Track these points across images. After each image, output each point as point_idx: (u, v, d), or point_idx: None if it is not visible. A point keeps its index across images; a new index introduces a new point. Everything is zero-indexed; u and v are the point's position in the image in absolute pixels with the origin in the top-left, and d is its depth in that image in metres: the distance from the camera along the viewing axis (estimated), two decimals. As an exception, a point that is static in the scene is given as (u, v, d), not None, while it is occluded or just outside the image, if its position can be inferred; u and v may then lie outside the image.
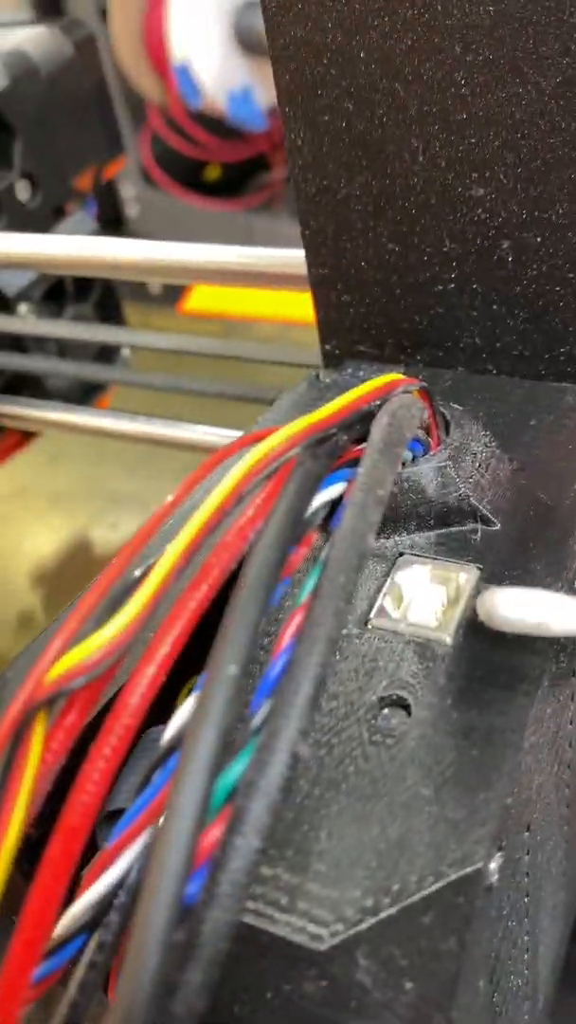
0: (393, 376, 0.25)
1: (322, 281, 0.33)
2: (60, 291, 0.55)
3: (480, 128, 0.28)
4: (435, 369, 0.34)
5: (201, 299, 1.03)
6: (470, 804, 0.21)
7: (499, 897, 0.23)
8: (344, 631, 0.25)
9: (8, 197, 0.51)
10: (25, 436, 0.58)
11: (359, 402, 0.23)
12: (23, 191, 0.52)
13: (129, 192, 1.20)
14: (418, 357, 0.34)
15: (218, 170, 1.26)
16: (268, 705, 0.18)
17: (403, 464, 0.27)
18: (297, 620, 0.19)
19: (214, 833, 0.17)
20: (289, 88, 0.30)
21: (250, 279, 0.41)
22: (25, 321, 0.51)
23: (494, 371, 0.33)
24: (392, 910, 0.20)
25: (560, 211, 0.28)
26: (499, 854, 0.22)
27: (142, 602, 0.18)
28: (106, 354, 0.58)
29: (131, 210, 1.21)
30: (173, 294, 1.10)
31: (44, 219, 0.53)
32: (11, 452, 0.58)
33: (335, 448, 0.22)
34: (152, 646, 0.18)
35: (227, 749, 0.20)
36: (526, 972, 0.31)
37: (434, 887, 0.20)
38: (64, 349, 0.56)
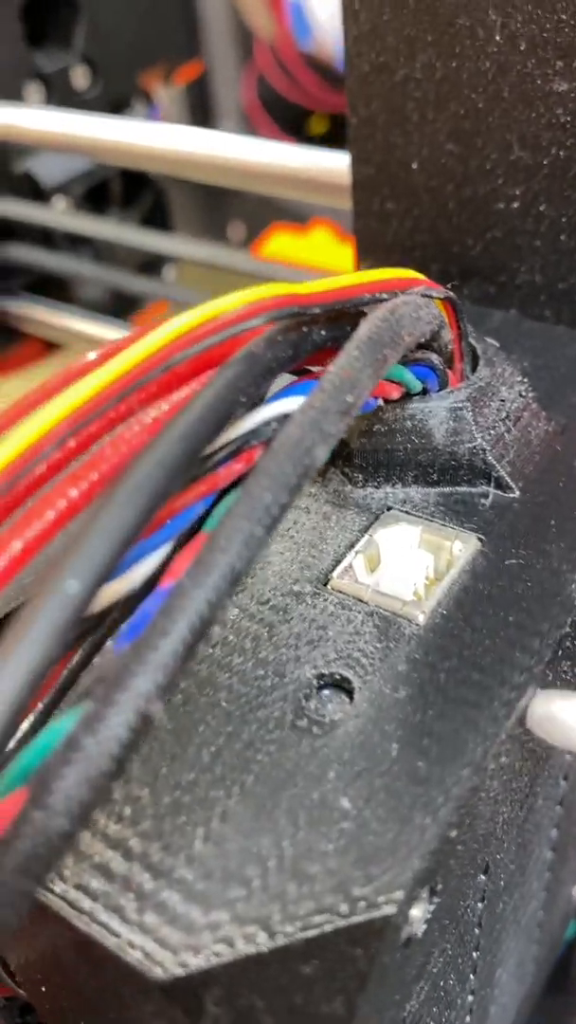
0: (413, 273, 0.20)
1: (366, 183, 0.28)
2: (104, 193, 0.51)
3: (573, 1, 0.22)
4: (483, 308, 0.28)
5: (278, 246, 0.98)
6: (398, 829, 0.16)
7: (423, 952, 0.18)
8: (295, 587, 0.20)
9: (62, 81, 0.46)
10: (47, 346, 0.53)
11: (358, 289, 0.18)
12: (81, 78, 0.47)
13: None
14: (465, 291, 0.28)
15: (323, 124, 1.20)
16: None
17: (409, 397, 0.22)
18: (199, 546, 0.14)
19: (9, 805, 0.12)
20: None
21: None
22: (58, 214, 0.46)
23: (552, 318, 0.27)
24: (264, 948, 0.15)
25: None
26: (429, 900, 0.17)
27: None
28: (148, 271, 0.53)
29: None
30: (251, 240, 1.05)
31: (101, 112, 0.49)
32: (29, 361, 0.53)
33: (305, 341, 0.17)
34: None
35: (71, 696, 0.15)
36: (466, 1035, 0.26)
37: (325, 928, 0.15)
38: (100, 258, 0.51)
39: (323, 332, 0.17)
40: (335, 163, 0.34)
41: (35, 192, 0.47)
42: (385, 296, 0.18)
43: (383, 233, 0.29)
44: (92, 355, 0.17)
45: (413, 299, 0.18)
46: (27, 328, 0.50)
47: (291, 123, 1.16)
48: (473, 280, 0.28)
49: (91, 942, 0.15)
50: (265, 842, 0.16)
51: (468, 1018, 0.25)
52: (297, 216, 1.00)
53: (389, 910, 0.15)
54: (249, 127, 1.16)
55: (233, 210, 1.06)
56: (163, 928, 0.15)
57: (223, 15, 1.03)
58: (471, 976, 0.23)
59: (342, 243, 0.95)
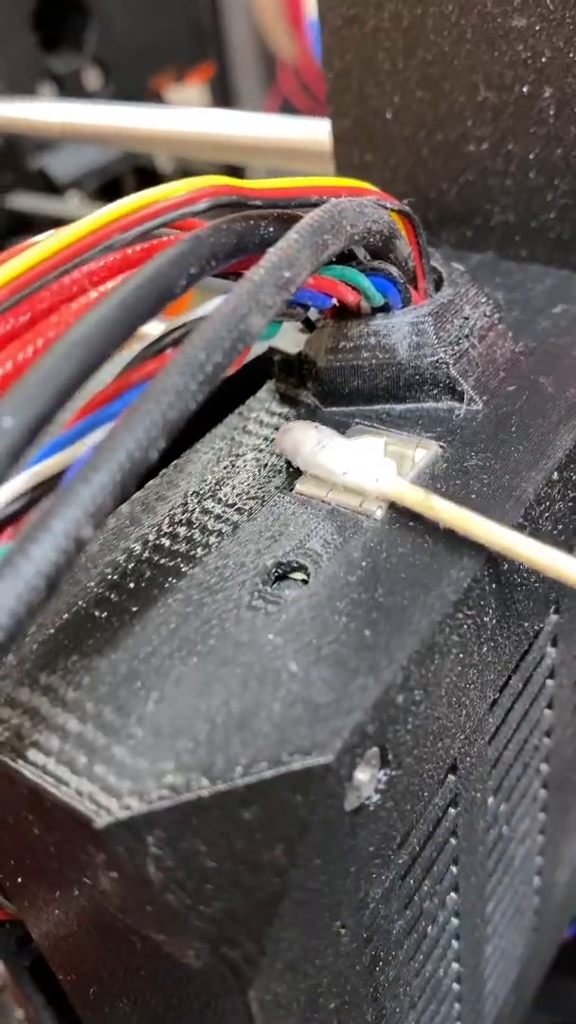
0: (366, 184, 0.20)
1: (344, 136, 0.29)
2: (117, 189, 0.53)
3: None
4: (462, 252, 0.29)
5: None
6: (342, 688, 0.16)
7: (380, 831, 0.18)
8: (261, 492, 0.21)
9: (74, 83, 0.48)
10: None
11: (305, 191, 0.19)
12: (93, 79, 0.49)
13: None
14: (444, 236, 0.29)
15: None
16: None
17: (373, 314, 0.22)
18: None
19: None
20: None
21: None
22: (73, 206, 0.48)
23: (527, 257, 0.28)
24: (205, 793, 0.15)
25: (616, 46, 0.23)
26: (380, 768, 0.17)
27: None
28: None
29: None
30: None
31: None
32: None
33: (252, 234, 0.18)
34: None
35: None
36: (454, 967, 0.26)
37: (264, 775, 0.15)
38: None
39: (271, 229, 0.18)
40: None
41: (49, 188, 0.49)
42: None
43: (364, 185, 0.30)
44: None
45: (359, 199, 0.19)
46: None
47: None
48: (451, 225, 0.29)
49: (42, 794, 0.16)
50: (215, 702, 0.16)
51: (455, 942, 0.25)
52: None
53: (327, 759, 0.15)
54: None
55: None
56: (110, 777, 0.16)
57: (246, 39, 1.06)
58: (452, 894, 0.24)
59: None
